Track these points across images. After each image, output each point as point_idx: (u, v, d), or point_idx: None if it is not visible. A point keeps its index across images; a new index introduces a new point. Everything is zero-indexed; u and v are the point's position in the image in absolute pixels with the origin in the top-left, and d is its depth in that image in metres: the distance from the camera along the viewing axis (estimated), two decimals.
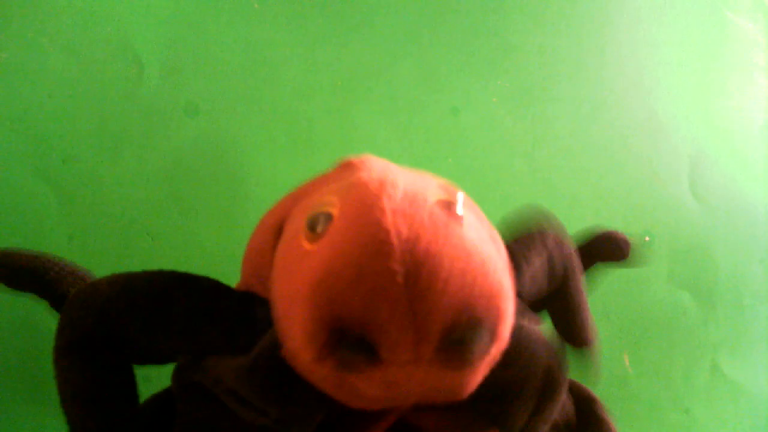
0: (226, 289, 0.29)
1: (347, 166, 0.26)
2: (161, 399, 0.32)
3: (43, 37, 0.52)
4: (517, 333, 0.27)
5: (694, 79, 0.67)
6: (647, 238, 0.65)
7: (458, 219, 0.22)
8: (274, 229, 0.28)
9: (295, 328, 0.22)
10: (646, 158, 0.65)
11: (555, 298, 0.35)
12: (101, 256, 0.53)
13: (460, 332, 0.21)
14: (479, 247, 0.22)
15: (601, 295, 0.63)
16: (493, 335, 0.22)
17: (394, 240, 0.20)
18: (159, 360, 0.30)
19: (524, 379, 0.29)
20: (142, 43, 0.54)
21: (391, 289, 0.20)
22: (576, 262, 0.36)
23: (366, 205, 0.21)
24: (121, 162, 0.53)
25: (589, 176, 0.64)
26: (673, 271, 0.66)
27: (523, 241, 0.33)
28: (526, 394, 0.29)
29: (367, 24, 0.59)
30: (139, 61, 0.54)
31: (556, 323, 0.36)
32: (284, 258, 0.24)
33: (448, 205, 0.22)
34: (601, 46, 0.65)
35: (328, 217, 0.22)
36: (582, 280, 0.36)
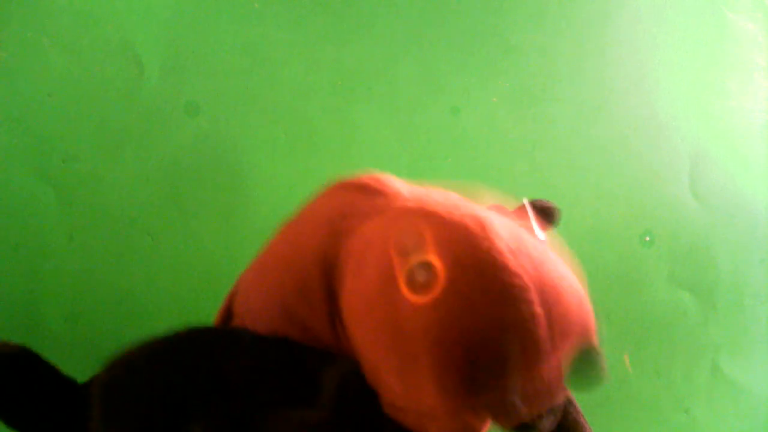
0: (267, 339, 0.28)
1: (369, 191, 0.25)
2: None
3: (43, 37, 0.52)
4: None
5: (694, 79, 0.67)
6: (647, 238, 0.65)
7: (545, 244, 0.23)
8: (318, 266, 0.26)
9: (423, 383, 0.22)
10: (646, 158, 0.65)
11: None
12: (101, 256, 0.53)
13: (589, 358, 0.23)
14: (564, 267, 0.23)
15: (602, 295, 0.63)
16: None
17: (528, 283, 0.20)
18: None
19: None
20: (142, 43, 0.54)
21: (537, 332, 0.20)
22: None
23: (479, 248, 0.21)
24: (121, 162, 0.53)
25: (589, 176, 0.64)
26: (674, 271, 0.66)
27: None
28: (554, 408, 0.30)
29: (367, 24, 0.59)
30: (139, 61, 0.54)
31: None
32: (377, 309, 0.23)
33: (531, 230, 0.23)
34: (601, 47, 0.65)
35: (431, 271, 0.21)
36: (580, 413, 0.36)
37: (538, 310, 0.20)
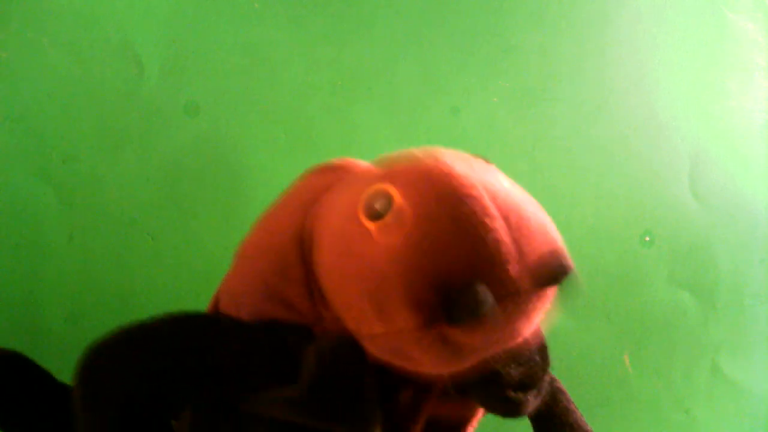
0: (249, 325, 0.28)
1: (340, 170, 0.26)
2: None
3: (43, 37, 0.52)
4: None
5: (694, 79, 0.67)
6: (647, 238, 0.65)
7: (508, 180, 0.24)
8: (295, 243, 0.27)
9: (389, 304, 0.23)
10: (646, 158, 0.65)
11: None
12: (101, 256, 0.53)
13: (556, 256, 0.23)
14: (532, 201, 0.25)
15: (602, 295, 0.63)
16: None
17: (484, 191, 0.22)
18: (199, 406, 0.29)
19: (534, 370, 0.30)
20: (142, 43, 0.54)
21: (497, 233, 0.21)
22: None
23: (441, 173, 0.22)
24: (121, 162, 0.53)
25: (589, 176, 0.64)
26: (674, 271, 0.66)
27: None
28: (537, 381, 0.31)
29: (367, 24, 0.59)
30: (139, 61, 0.54)
31: None
32: (343, 245, 0.24)
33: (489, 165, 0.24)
34: (601, 47, 0.65)
35: (387, 197, 0.23)
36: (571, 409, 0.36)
37: (494, 212, 0.22)
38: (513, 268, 0.22)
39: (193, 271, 0.53)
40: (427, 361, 0.24)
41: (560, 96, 0.63)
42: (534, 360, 0.30)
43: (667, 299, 0.65)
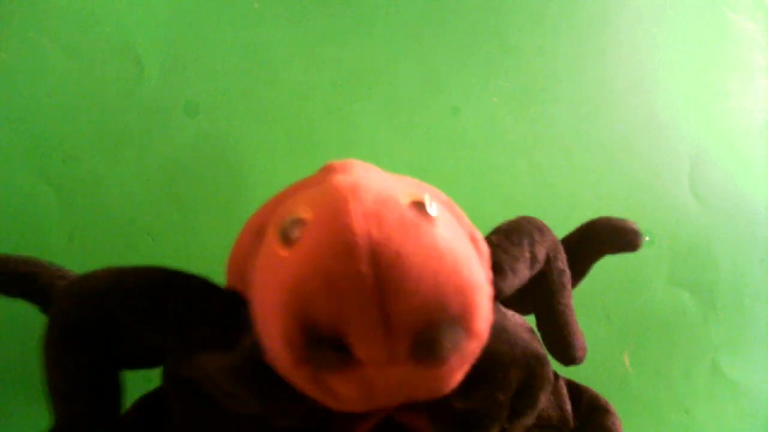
0: (217, 288, 0.29)
1: (328, 170, 0.26)
2: (151, 398, 0.32)
3: (43, 37, 0.52)
4: (497, 334, 0.27)
5: (694, 79, 0.67)
6: (647, 238, 0.65)
7: (430, 219, 0.22)
8: (255, 234, 0.28)
9: (274, 333, 0.23)
10: (646, 158, 0.65)
11: (537, 290, 0.34)
12: (101, 256, 0.53)
13: (433, 331, 0.21)
14: (452, 245, 0.23)
15: (601, 295, 0.63)
16: (469, 332, 0.23)
17: (363, 243, 0.21)
18: (148, 359, 0.30)
19: (488, 407, 0.28)
20: (142, 43, 0.54)
21: (361, 292, 0.21)
22: (558, 246, 0.35)
23: (336, 209, 0.21)
24: (121, 162, 0.53)
25: (589, 176, 0.64)
26: (673, 271, 0.66)
27: (503, 232, 0.33)
28: (489, 422, 0.29)
29: (367, 24, 0.59)
30: (139, 61, 0.54)
31: (542, 329, 0.35)
32: (262, 265, 0.25)
33: (421, 206, 0.23)
34: (601, 47, 0.65)
35: (301, 223, 0.22)
36: (565, 272, 0.35)
37: (364, 269, 0.20)
38: (375, 333, 0.21)
39: (193, 271, 0.53)
40: (315, 397, 0.24)
41: (560, 96, 0.63)
42: (494, 400, 0.28)
43: (667, 299, 0.65)
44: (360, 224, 0.21)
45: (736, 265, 0.67)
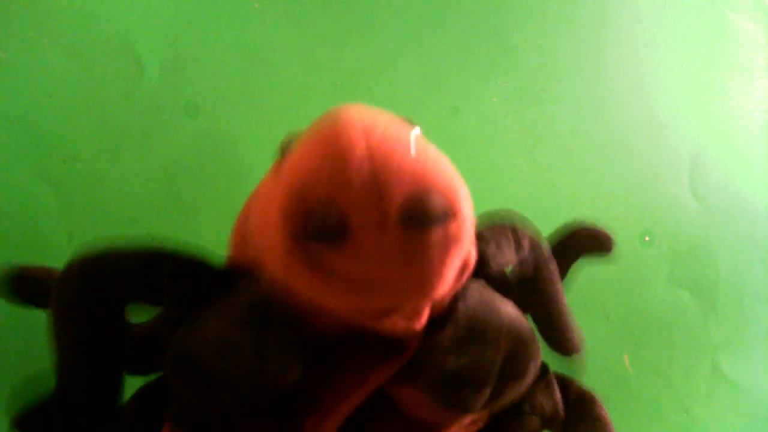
0: (210, 265, 0.31)
1: None
2: (152, 388, 0.33)
3: (43, 37, 0.52)
4: (485, 305, 0.30)
5: (694, 79, 0.67)
6: (647, 238, 0.65)
7: (415, 131, 0.27)
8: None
9: (272, 220, 0.25)
10: (646, 158, 0.65)
11: (529, 291, 0.35)
12: None
13: (420, 197, 0.24)
14: (432, 147, 0.27)
15: (601, 295, 0.63)
16: (453, 209, 0.25)
17: (358, 124, 0.24)
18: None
19: (480, 364, 0.30)
20: (142, 43, 0.54)
21: (356, 160, 0.23)
22: (544, 250, 0.36)
23: (332, 113, 0.25)
24: (121, 162, 0.53)
25: (589, 176, 0.64)
26: (673, 271, 0.66)
27: (483, 217, 0.35)
28: (482, 380, 0.30)
29: (367, 24, 0.59)
30: (139, 61, 0.54)
31: (537, 319, 0.36)
32: (261, 184, 0.28)
33: (406, 122, 0.27)
34: (601, 47, 0.65)
35: (297, 137, 0.26)
36: (552, 261, 0.36)
37: (356, 141, 0.23)
38: (369, 200, 0.23)
39: None
40: (314, 286, 0.25)
41: (560, 96, 0.63)
42: (486, 358, 0.30)
43: (667, 299, 0.65)
44: (358, 116, 0.24)
45: (736, 265, 0.67)
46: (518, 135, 0.62)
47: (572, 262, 0.40)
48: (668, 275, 0.65)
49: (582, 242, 0.39)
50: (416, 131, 0.27)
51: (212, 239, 0.55)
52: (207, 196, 0.55)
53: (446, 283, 0.26)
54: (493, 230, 0.34)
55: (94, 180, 0.53)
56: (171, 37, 0.55)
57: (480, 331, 0.30)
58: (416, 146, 0.25)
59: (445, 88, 0.61)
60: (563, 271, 0.39)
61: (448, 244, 0.25)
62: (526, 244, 0.35)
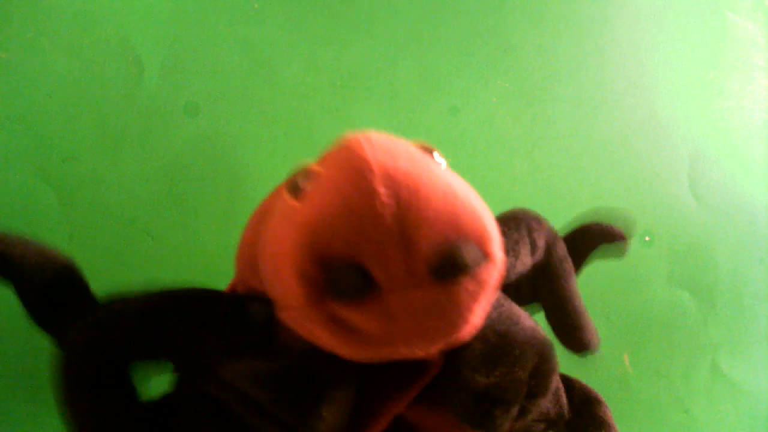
0: (215, 292, 0.29)
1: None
2: (156, 406, 0.31)
3: (43, 37, 0.52)
4: (507, 317, 0.28)
5: (694, 79, 0.67)
6: (647, 238, 0.65)
7: (439, 163, 0.24)
8: (262, 216, 0.28)
9: (286, 277, 0.23)
10: (646, 158, 0.65)
11: (541, 279, 0.34)
12: (101, 256, 0.53)
13: (450, 248, 0.22)
14: (461, 182, 0.24)
15: (601, 295, 0.63)
16: (484, 253, 0.23)
17: (376, 169, 0.21)
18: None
19: (509, 382, 0.29)
20: (142, 43, 0.54)
21: (378, 211, 0.21)
22: (556, 235, 0.35)
23: (348, 150, 0.22)
24: (121, 162, 0.53)
25: (588, 176, 0.64)
26: (673, 271, 0.66)
27: (501, 221, 0.33)
28: (511, 398, 0.29)
29: (367, 24, 0.59)
30: (139, 61, 0.54)
31: (550, 318, 0.35)
32: (273, 221, 0.25)
33: (429, 150, 0.25)
34: (601, 47, 0.65)
35: (312, 174, 0.23)
36: (567, 259, 0.35)
37: (380, 189, 0.21)
38: (395, 254, 0.21)
39: (193, 271, 0.53)
40: (332, 343, 0.24)
41: (560, 96, 0.63)
42: (514, 376, 0.28)
43: (666, 299, 0.65)
44: (371, 156, 0.22)
45: (736, 265, 0.67)
46: (518, 135, 0.62)
47: (585, 256, 0.39)
48: (668, 275, 0.65)
49: (594, 236, 0.38)
50: (442, 163, 0.25)
51: (212, 239, 0.55)
52: (207, 196, 0.55)
53: (473, 327, 0.25)
54: (511, 237, 0.32)
55: (94, 180, 0.53)
56: (171, 37, 0.55)
57: (509, 347, 0.28)
58: (443, 183, 0.23)
59: (445, 88, 0.61)
60: (576, 266, 0.38)
61: (478, 290, 0.24)
62: (542, 245, 0.33)
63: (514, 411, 0.29)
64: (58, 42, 0.53)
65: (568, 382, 0.37)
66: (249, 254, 0.29)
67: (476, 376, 0.28)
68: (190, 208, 0.54)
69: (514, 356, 0.28)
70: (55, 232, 0.52)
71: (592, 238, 0.38)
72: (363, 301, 0.22)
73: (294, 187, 0.24)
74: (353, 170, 0.22)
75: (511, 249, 0.31)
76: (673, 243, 0.66)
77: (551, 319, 0.35)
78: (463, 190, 0.24)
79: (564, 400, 0.35)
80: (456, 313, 0.24)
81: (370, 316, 0.23)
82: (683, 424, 0.65)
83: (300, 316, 0.23)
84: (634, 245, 0.64)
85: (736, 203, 0.68)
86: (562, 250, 0.35)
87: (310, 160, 0.25)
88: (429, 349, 0.25)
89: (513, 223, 0.33)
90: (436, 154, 0.25)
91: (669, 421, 0.65)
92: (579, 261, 0.38)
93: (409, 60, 0.60)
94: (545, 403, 0.32)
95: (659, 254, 0.65)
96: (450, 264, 0.22)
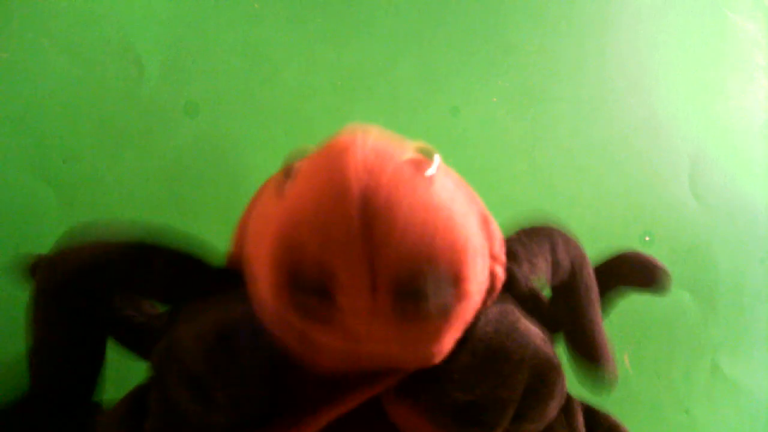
0: (204, 263, 0.30)
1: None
2: (142, 391, 0.32)
3: (43, 37, 0.52)
4: (507, 332, 0.27)
5: (694, 79, 0.67)
6: (647, 238, 0.65)
7: (427, 178, 0.22)
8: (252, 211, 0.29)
9: (263, 280, 0.23)
10: (646, 158, 0.65)
11: (562, 296, 0.33)
12: None
13: (417, 283, 0.21)
14: (447, 203, 0.22)
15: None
16: (457, 290, 0.22)
17: (355, 189, 0.21)
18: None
19: (491, 402, 0.27)
20: (142, 43, 0.54)
21: (347, 235, 0.20)
22: (585, 257, 0.34)
23: (331, 156, 0.22)
24: (121, 162, 0.53)
25: (589, 176, 0.64)
26: (673, 271, 0.65)
27: (525, 232, 0.32)
28: (492, 420, 0.27)
29: (367, 24, 0.59)
30: (139, 61, 0.54)
31: (569, 342, 0.33)
32: (256, 216, 0.25)
33: (419, 164, 0.23)
34: (601, 46, 0.65)
35: (297, 171, 0.23)
36: (591, 277, 0.34)
37: (353, 212, 0.20)
38: (360, 282, 0.21)
39: None
40: (299, 351, 0.24)
41: (560, 96, 0.63)
42: (496, 396, 0.26)
43: (667, 299, 0.65)
44: (352, 169, 0.21)
45: (736, 265, 0.67)
46: (518, 135, 0.62)
47: (612, 289, 0.37)
48: None
49: (626, 271, 0.36)
50: (432, 169, 0.23)
51: (212, 239, 0.55)
52: (207, 195, 0.55)
53: (445, 348, 0.24)
54: (528, 248, 0.31)
55: (94, 180, 0.53)
56: (171, 37, 0.55)
57: (497, 364, 0.26)
58: (423, 206, 0.22)
59: (445, 88, 0.61)
60: (602, 297, 0.36)
61: (447, 312, 0.23)
62: (566, 265, 0.32)
63: (509, 411, 0.27)
64: (58, 42, 0.53)
65: (594, 416, 0.34)
66: (241, 235, 0.30)
67: (454, 393, 0.26)
68: (190, 208, 0.54)
69: (501, 375, 0.26)
70: (55, 232, 0.52)
71: (622, 274, 0.36)
72: (326, 322, 0.22)
73: (286, 170, 0.24)
74: (329, 184, 0.21)
75: (526, 260, 0.30)
76: (673, 243, 0.66)
77: (569, 343, 0.33)
78: (444, 213, 0.22)
79: (580, 423, 0.32)
80: (420, 346, 0.23)
81: (333, 336, 0.22)
82: (683, 424, 0.65)
83: (272, 297, 0.23)
84: (634, 245, 0.64)
85: (736, 203, 0.68)
86: (589, 277, 0.33)
87: (308, 146, 0.25)
88: (401, 365, 0.25)
89: (536, 235, 0.32)
90: (436, 160, 0.24)
91: (669, 421, 0.65)
92: (604, 293, 0.36)
93: (409, 60, 0.60)
94: (539, 428, 0.29)
95: (659, 254, 0.64)
96: (413, 301, 0.21)
